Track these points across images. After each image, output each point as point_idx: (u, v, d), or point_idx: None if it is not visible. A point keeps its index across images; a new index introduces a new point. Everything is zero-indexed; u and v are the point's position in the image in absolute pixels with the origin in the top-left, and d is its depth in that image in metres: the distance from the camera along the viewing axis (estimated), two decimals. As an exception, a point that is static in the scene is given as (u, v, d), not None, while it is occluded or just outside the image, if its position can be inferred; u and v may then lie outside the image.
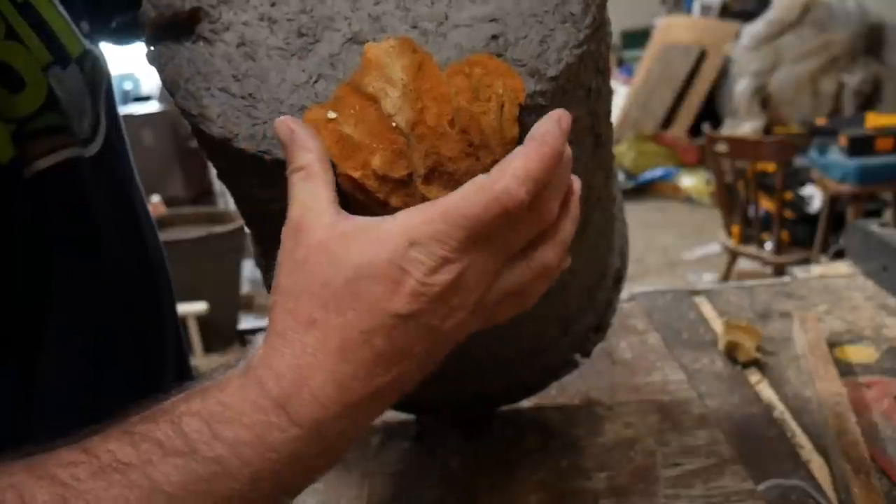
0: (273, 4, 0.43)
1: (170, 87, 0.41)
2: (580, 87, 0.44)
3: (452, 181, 0.37)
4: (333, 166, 0.38)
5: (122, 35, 0.66)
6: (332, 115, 0.38)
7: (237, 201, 0.48)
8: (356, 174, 0.37)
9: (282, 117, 0.38)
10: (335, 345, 0.34)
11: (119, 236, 0.56)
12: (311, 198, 0.36)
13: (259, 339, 0.37)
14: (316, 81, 0.41)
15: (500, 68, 0.39)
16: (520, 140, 0.38)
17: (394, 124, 0.37)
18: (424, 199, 0.37)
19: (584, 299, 0.63)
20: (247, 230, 0.56)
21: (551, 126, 0.36)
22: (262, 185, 0.42)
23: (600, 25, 0.43)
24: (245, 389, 0.34)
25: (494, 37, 0.41)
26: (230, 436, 0.34)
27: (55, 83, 0.50)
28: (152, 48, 0.43)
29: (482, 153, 0.38)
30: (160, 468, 0.33)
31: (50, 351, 0.49)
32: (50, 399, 0.50)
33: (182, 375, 0.65)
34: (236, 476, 0.34)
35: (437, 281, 0.34)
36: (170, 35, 0.43)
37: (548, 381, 0.68)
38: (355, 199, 0.38)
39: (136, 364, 0.58)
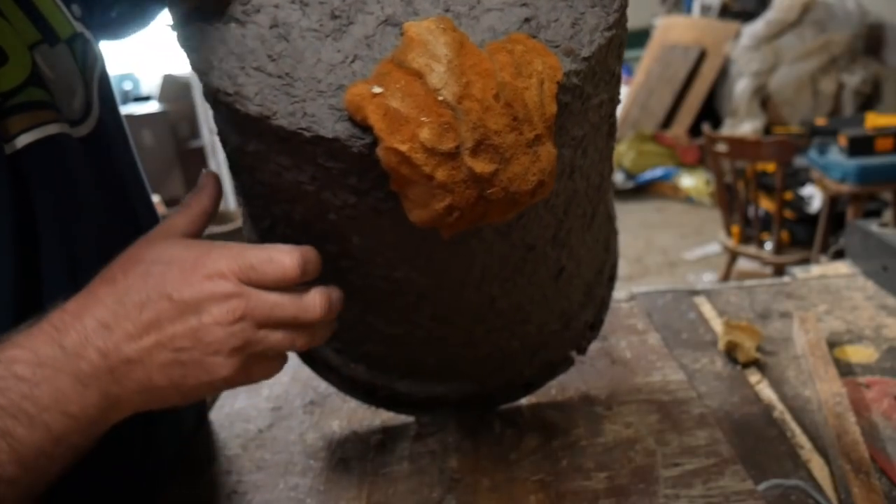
0: None
1: (202, 68, 0.42)
2: (607, 71, 0.45)
3: (498, 155, 0.39)
4: (377, 143, 0.39)
5: (122, 26, 0.66)
6: (377, 89, 0.39)
7: (253, 186, 0.48)
8: (404, 147, 0.38)
9: (206, 171, 0.47)
10: (115, 298, 0.42)
11: (110, 220, 0.56)
12: (175, 221, 0.46)
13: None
14: (353, 61, 0.41)
15: (538, 47, 0.40)
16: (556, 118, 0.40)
17: (440, 98, 0.37)
18: (471, 172, 0.38)
19: (584, 294, 0.63)
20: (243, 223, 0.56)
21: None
22: (294, 165, 0.43)
23: (625, 10, 0.44)
24: (36, 321, 0.42)
25: (527, 20, 0.42)
26: (6, 356, 0.40)
27: (42, 60, 0.50)
28: (183, 29, 0.43)
29: (525, 128, 0.39)
30: None
31: None
32: None
33: None
34: (8, 394, 0.39)
35: (206, 287, 0.42)
36: (200, 17, 0.43)
37: (547, 378, 0.68)
38: (399, 174, 0.39)
39: None
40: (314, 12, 0.42)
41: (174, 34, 0.44)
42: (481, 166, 0.38)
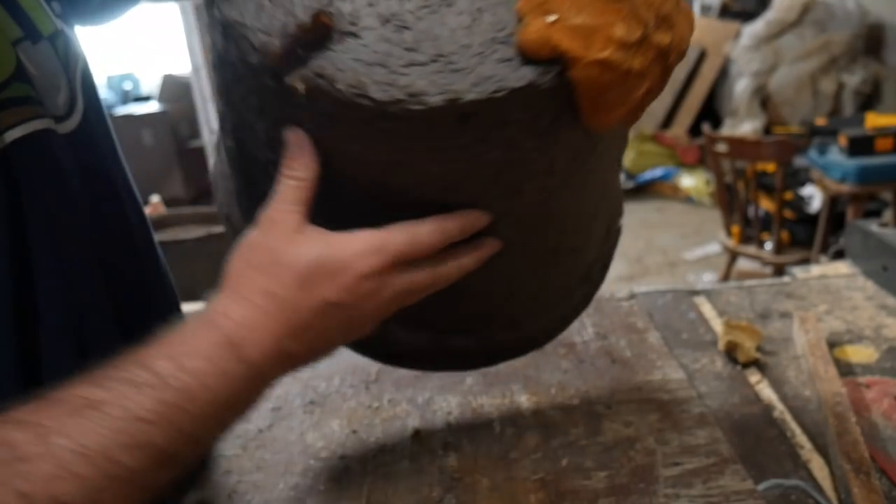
0: None
1: (357, 87, 0.40)
2: None
3: (666, 23, 0.41)
4: (567, 66, 0.40)
5: (103, 11, 0.65)
6: (550, 18, 0.40)
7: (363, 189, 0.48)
8: (604, 54, 0.40)
9: (292, 131, 0.45)
10: (280, 311, 0.44)
11: (98, 214, 0.56)
12: (293, 203, 0.46)
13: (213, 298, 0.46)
14: (480, 15, 0.42)
15: None
16: None
17: None
18: (658, 48, 0.40)
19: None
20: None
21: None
22: (480, 139, 0.43)
23: None
24: (205, 331, 0.43)
25: None
26: (194, 367, 0.41)
27: (25, 57, 0.50)
28: (304, 72, 0.41)
29: None
30: (134, 399, 0.39)
31: (44, 325, 0.50)
32: (47, 374, 0.50)
33: None
34: (198, 402, 0.41)
35: (364, 288, 0.45)
36: (307, 50, 0.41)
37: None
38: (600, 84, 0.41)
39: (120, 340, 0.59)
40: None
41: (298, 80, 0.42)
42: (662, 38, 0.41)
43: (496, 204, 0.48)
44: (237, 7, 0.43)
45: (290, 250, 0.45)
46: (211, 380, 0.41)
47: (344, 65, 0.41)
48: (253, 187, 0.53)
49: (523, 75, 0.40)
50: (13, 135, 0.48)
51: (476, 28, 0.41)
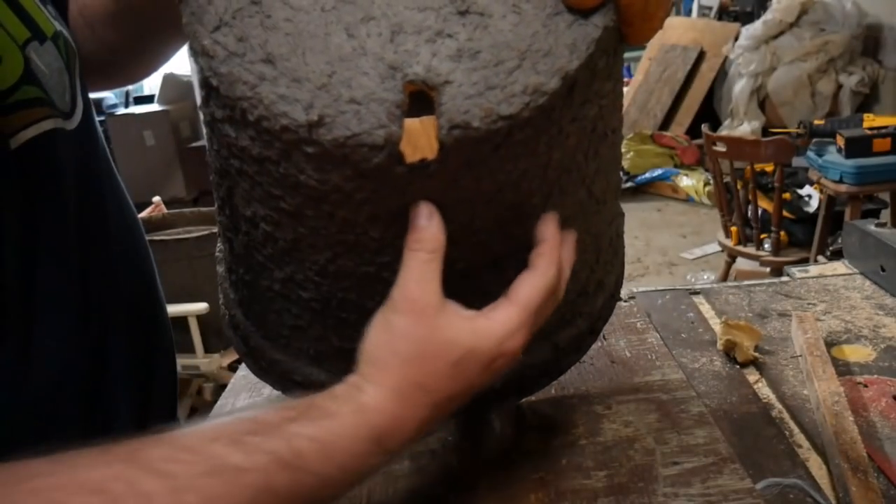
0: None
1: (488, 115, 0.41)
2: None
3: None
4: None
5: (133, 74, 0.72)
6: None
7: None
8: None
9: (422, 204, 0.44)
10: (432, 404, 0.44)
11: (84, 212, 0.57)
12: (429, 279, 0.44)
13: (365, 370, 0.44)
14: (520, 9, 0.43)
15: None
16: None
17: None
18: None
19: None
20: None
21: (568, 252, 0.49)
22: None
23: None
24: (356, 426, 0.42)
25: None
26: (341, 461, 0.41)
27: (34, 58, 0.51)
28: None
29: None
30: (274, 477, 0.39)
31: (42, 325, 0.50)
32: (45, 373, 0.51)
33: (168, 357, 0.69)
34: (336, 488, 0.42)
35: (511, 353, 0.46)
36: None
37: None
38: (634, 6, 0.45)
39: (126, 342, 0.60)
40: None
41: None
42: None
43: (587, 166, 0.50)
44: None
45: (437, 339, 0.43)
46: (351, 471, 0.42)
47: (463, 106, 0.41)
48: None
49: (595, 24, 0.43)
50: (26, 135, 0.49)
51: (526, 19, 0.43)
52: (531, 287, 0.46)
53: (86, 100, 0.59)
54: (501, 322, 0.45)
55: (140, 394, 0.63)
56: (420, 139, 0.40)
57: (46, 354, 0.51)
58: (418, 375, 0.43)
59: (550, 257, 0.46)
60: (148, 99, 5.04)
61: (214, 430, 0.40)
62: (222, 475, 0.37)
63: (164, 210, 2.84)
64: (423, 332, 0.43)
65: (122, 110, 4.89)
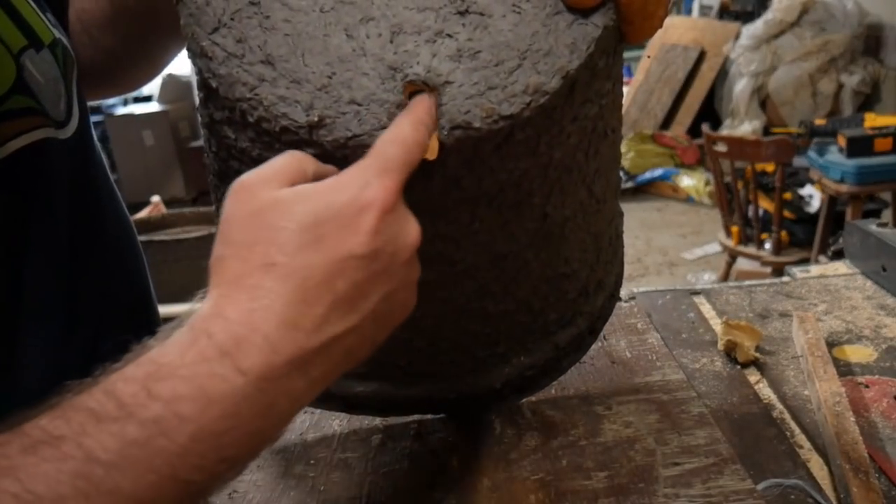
0: None
1: (489, 115, 0.41)
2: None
3: None
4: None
5: (126, 84, 0.72)
6: None
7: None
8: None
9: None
10: (294, 285, 0.34)
11: (78, 220, 0.56)
12: (269, 166, 0.38)
13: (199, 301, 0.36)
14: (521, 8, 0.44)
15: None
16: None
17: None
18: None
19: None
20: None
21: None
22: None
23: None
24: (188, 343, 0.33)
25: None
26: (166, 392, 0.32)
27: (29, 66, 0.51)
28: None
29: None
30: (94, 437, 0.32)
31: (30, 332, 0.50)
32: (33, 379, 0.50)
33: None
34: (174, 437, 0.32)
35: (374, 203, 0.36)
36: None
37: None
38: (634, 6, 0.46)
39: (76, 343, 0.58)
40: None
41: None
42: None
43: (587, 165, 0.51)
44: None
45: (272, 205, 0.36)
46: (188, 407, 0.32)
47: (464, 106, 0.42)
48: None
49: (595, 24, 0.44)
50: (15, 144, 0.49)
51: (526, 19, 0.43)
52: (381, 140, 0.38)
53: (82, 108, 0.59)
54: (351, 174, 0.37)
55: None
56: None
57: (34, 361, 0.50)
58: (261, 255, 0.34)
59: (405, 114, 0.39)
60: (147, 99, 5.04)
61: (52, 403, 0.34)
62: (43, 449, 0.32)
63: (164, 210, 2.84)
64: (254, 205, 0.36)
65: (121, 110, 4.90)
